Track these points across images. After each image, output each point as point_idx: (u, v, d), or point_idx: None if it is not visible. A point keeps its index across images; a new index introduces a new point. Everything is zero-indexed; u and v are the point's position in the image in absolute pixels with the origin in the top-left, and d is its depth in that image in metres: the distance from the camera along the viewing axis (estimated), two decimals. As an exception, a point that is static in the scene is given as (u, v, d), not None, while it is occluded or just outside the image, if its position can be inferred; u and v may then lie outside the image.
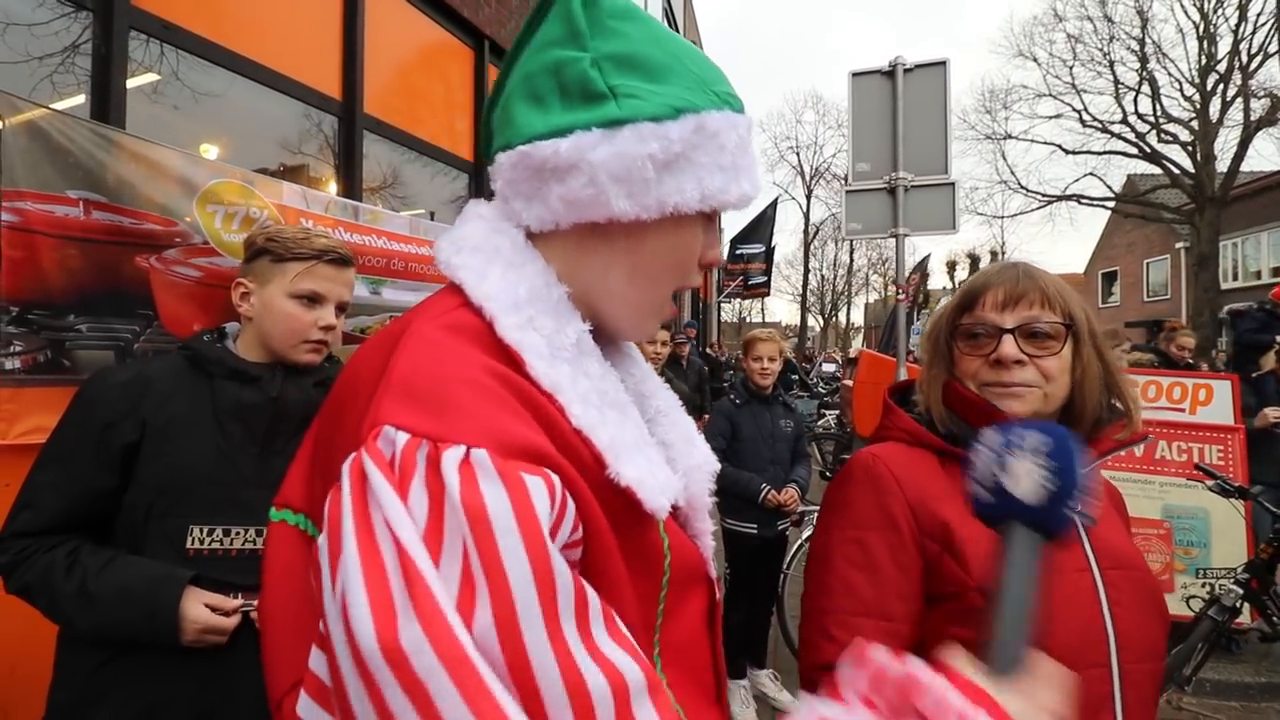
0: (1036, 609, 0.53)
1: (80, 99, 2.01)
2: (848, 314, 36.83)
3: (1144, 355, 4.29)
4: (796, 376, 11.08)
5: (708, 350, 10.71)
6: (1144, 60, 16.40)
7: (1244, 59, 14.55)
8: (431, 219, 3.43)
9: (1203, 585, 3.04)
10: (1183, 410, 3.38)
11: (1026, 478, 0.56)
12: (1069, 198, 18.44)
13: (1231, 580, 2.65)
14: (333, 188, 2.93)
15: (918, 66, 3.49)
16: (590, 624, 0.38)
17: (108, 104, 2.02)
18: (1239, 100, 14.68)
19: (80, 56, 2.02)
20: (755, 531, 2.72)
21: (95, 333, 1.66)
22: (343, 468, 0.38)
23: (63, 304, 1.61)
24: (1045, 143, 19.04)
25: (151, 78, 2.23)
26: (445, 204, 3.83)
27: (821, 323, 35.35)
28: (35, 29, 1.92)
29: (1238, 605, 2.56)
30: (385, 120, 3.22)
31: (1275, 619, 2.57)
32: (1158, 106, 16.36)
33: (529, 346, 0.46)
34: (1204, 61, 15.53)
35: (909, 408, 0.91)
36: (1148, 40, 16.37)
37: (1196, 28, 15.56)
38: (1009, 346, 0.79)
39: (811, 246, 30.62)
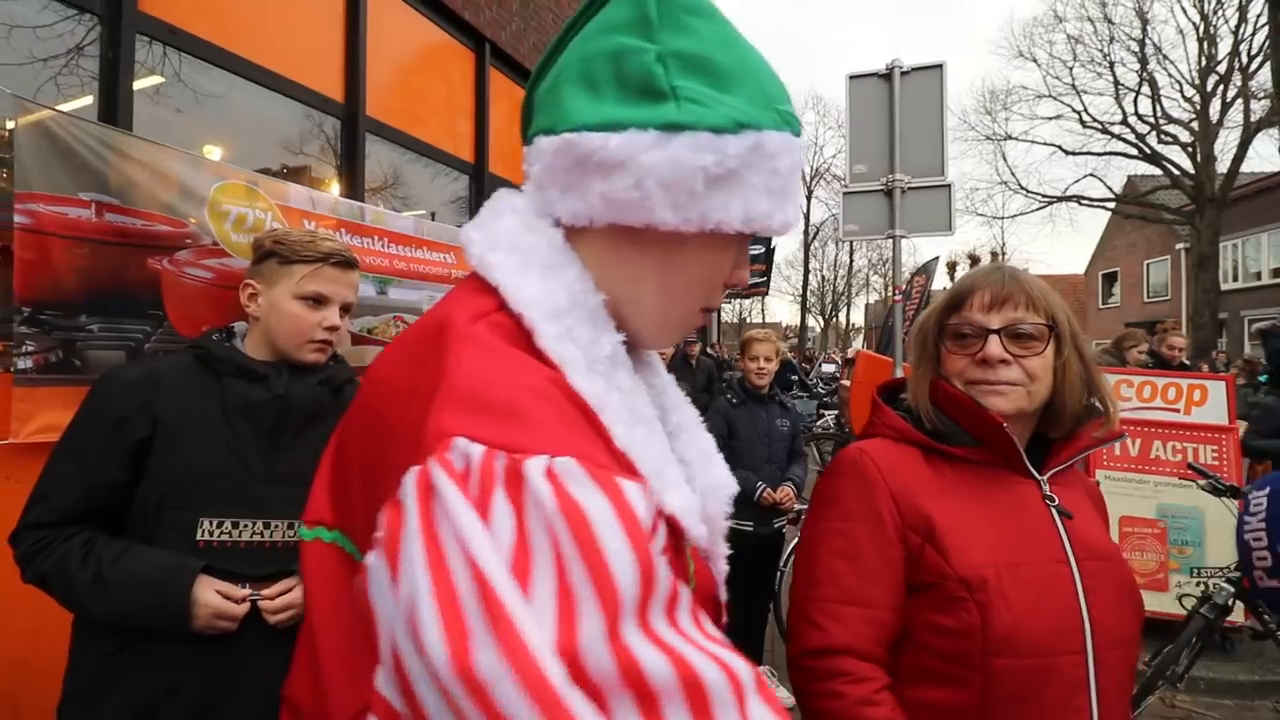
0: None
1: (88, 102, 2.05)
2: (848, 315, 36.87)
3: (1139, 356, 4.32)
4: (795, 377, 11.11)
5: (709, 350, 10.74)
6: (1144, 61, 16.43)
7: (1244, 60, 14.57)
8: (432, 219, 3.47)
9: (1196, 584, 3.07)
10: (1177, 410, 3.41)
11: None
12: (1069, 198, 18.47)
13: (1224, 578, 2.67)
14: (335, 189, 2.97)
15: (915, 69, 3.53)
16: (697, 623, 0.37)
17: (115, 107, 2.05)
18: (1239, 101, 14.70)
19: (88, 60, 2.05)
20: (752, 529, 2.76)
21: (106, 333, 1.69)
22: (405, 481, 0.35)
23: (74, 304, 1.64)
24: (1045, 143, 19.08)
25: (158, 81, 2.26)
26: (445, 205, 3.86)
27: (821, 323, 35.37)
28: (44, 33, 1.95)
29: (1229, 603, 2.58)
30: (387, 122, 3.26)
31: (1267, 617, 2.59)
32: (1158, 107, 16.41)
33: (570, 360, 0.44)
34: (1204, 63, 15.55)
35: (899, 406, 0.94)
36: (1148, 41, 16.42)
37: (1196, 29, 15.59)
38: (994, 346, 0.82)
39: (811, 247, 30.66)
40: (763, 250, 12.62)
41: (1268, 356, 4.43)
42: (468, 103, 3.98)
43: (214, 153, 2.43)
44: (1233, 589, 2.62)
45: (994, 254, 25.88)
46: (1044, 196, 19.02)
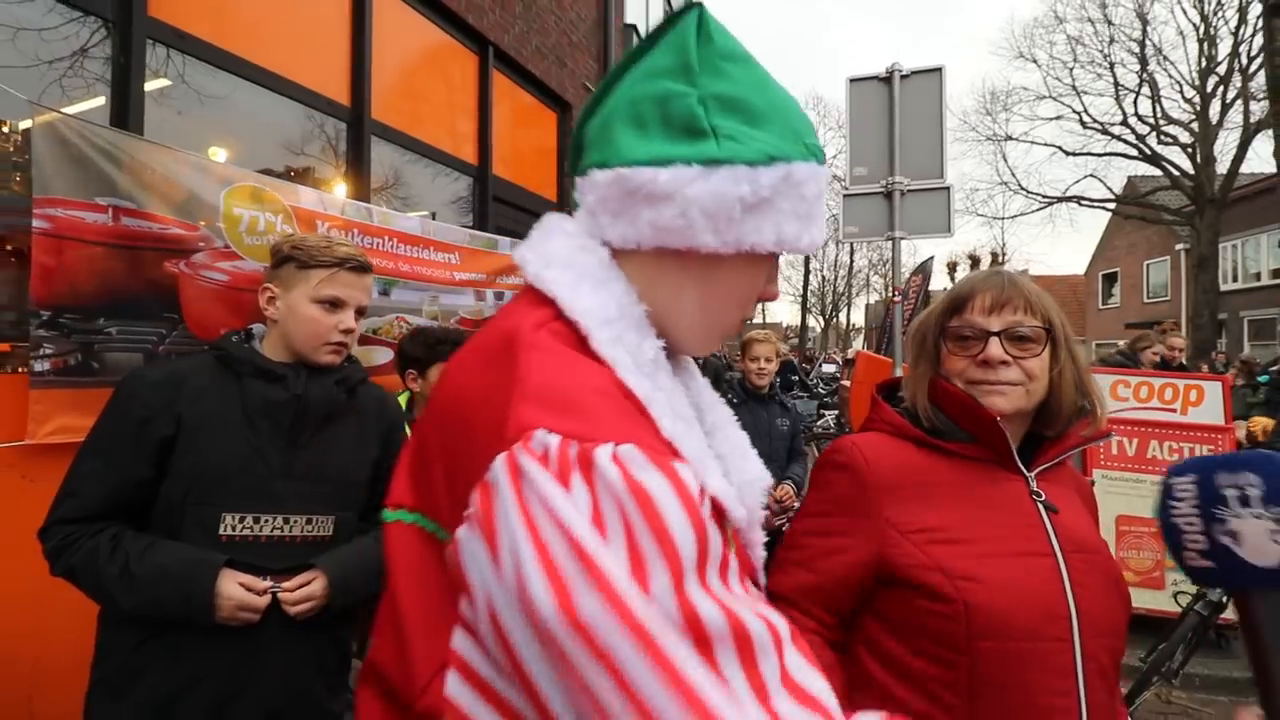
0: None
1: (100, 107, 2.08)
2: (848, 315, 36.90)
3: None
4: (796, 377, 11.14)
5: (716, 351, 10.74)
6: (1144, 62, 16.46)
7: (1244, 61, 14.59)
8: (433, 219, 3.50)
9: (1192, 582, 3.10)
10: (1174, 410, 3.45)
11: (1259, 539, 0.48)
12: (1069, 199, 18.50)
13: (1218, 576, 2.71)
14: (342, 190, 3.00)
15: (914, 73, 3.56)
16: (744, 585, 0.43)
17: (127, 112, 2.08)
18: (1239, 102, 14.72)
19: (99, 65, 2.08)
20: (753, 527, 2.80)
21: (124, 336, 1.72)
22: (494, 467, 0.41)
23: (93, 308, 1.68)
24: (1046, 144, 19.11)
25: (168, 85, 2.30)
26: (447, 205, 3.89)
27: (822, 324, 35.39)
28: (53, 36, 1.98)
29: (1223, 600, 2.62)
30: (392, 125, 3.29)
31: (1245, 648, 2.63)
32: (1158, 108, 16.44)
33: (620, 362, 0.49)
34: (1204, 64, 15.58)
35: (897, 404, 0.98)
36: (1148, 42, 16.45)
37: (1196, 30, 15.62)
38: (995, 348, 0.86)
39: (812, 247, 30.53)
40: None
41: None
42: (470, 105, 4.02)
43: (219, 154, 2.47)
44: (1227, 586, 2.65)
45: (994, 255, 25.89)
46: (1044, 197, 19.05)
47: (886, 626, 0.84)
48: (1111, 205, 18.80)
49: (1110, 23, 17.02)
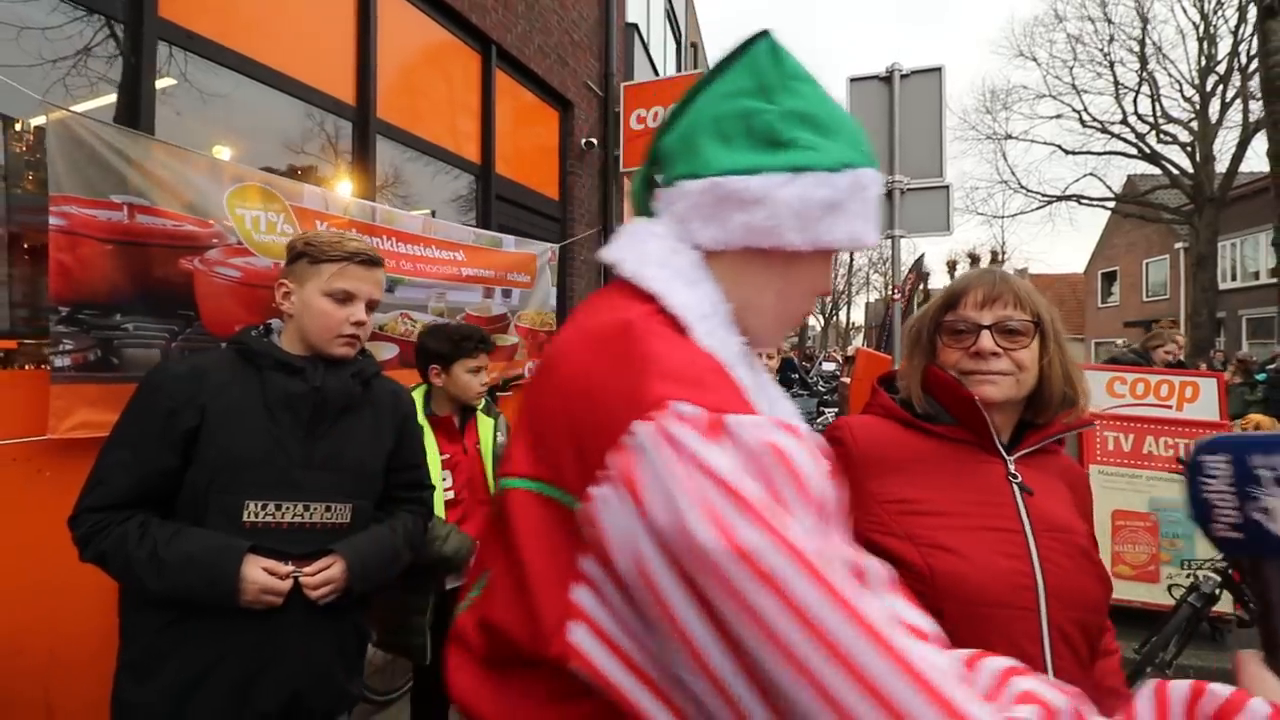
0: None
1: (111, 106, 2.11)
2: (848, 313, 36.95)
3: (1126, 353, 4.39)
4: (796, 375, 11.18)
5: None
6: (1144, 61, 16.48)
7: (1243, 60, 14.61)
8: (433, 215, 3.54)
9: (1187, 576, 3.14)
10: (1170, 407, 3.49)
11: None
12: (1069, 198, 18.53)
13: (1210, 568, 2.75)
14: (348, 189, 3.04)
15: (914, 72, 3.60)
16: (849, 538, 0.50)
17: (138, 111, 2.11)
18: (1238, 101, 14.75)
19: (110, 64, 2.12)
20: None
21: (141, 331, 1.76)
22: (638, 432, 0.46)
23: (110, 304, 1.71)
24: (1045, 143, 19.15)
25: (178, 85, 2.33)
26: (450, 203, 3.93)
27: (822, 322, 35.44)
28: (63, 36, 2.00)
29: (1216, 592, 2.66)
30: (396, 124, 3.33)
31: (1252, 606, 2.67)
32: (1157, 107, 16.47)
33: (718, 351, 0.56)
34: (1204, 62, 15.60)
35: (894, 392, 1.04)
36: (1148, 41, 16.47)
37: (1196, 29, 15.64)
38: (986, 340, 0.91)
39: (812, 245, 30.54)
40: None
41: None
42: (474, 103, 4.05)
43: (224, 153, 2.50)
44: (1219, 578, 2.70)
45: (994, 253, 25.93)
46: (1044, 195, 19.08)
47: None
48: (1111, 204, 18.83)
49: (1110, 21, 17.06)
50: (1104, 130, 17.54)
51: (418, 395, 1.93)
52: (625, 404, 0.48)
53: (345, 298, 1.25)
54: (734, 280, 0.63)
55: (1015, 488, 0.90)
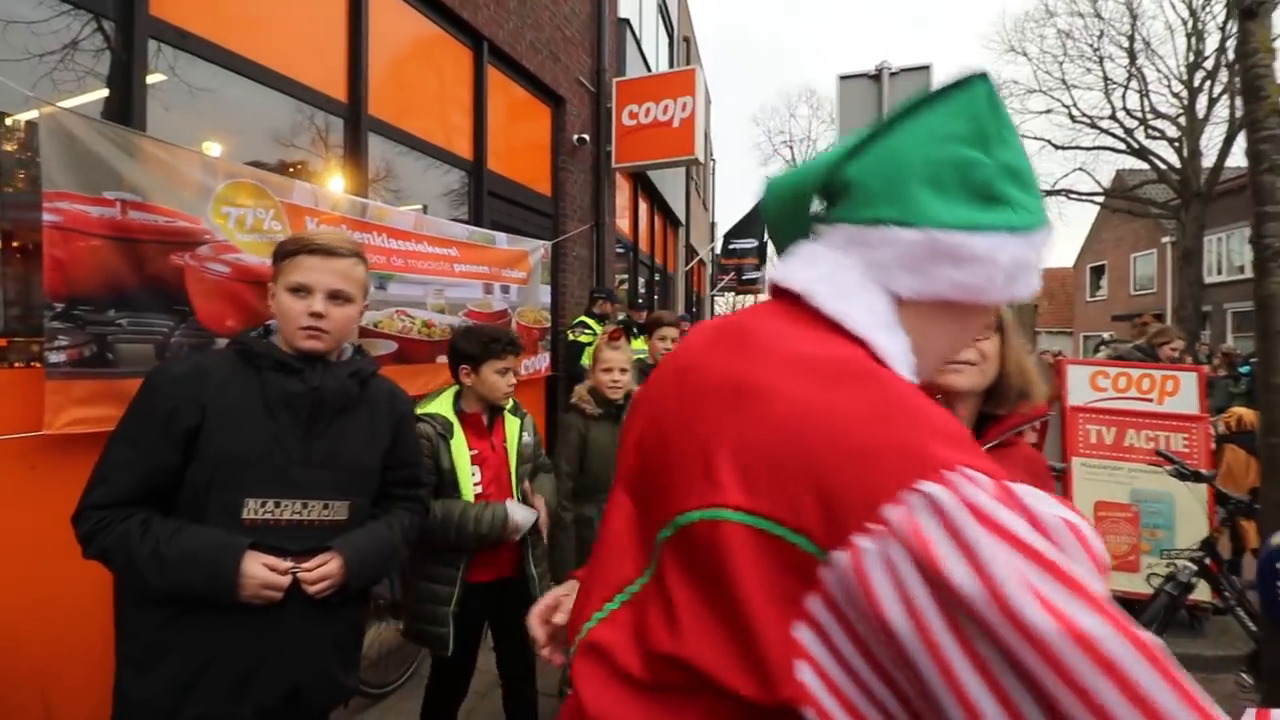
0: None
1: (102, 103, 2.11)
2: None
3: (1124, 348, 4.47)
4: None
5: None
6: (1133, 56, 16.57)
7: (1230, 56, 14.70)
8: (425, 211, 3.54)
9: (1166, 566, 3.22)
10: (1151, 400, 3.56)
11: None
12: (1058, 192, 18.64)
13: (1188, 558, 2.83)
14: (340, 185, 3.04)
15: (903, 70, 3.63)
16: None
17: (130, 109, 2.11)
18: (1225, 97, 14.87)
19: (101, 61, 2.11)
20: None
21: (135, 328, 1.77)
22: (932, 493, 0.44)
23: (104, 300, 1.71)
24: (1035, 138, 19.21)
25: (169, 83, 2.33)
26: (442, 199, 3.93)
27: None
28: (55, 32, 2.00)
29: (1192, 581, 2.74)
30: (388, 120, 3.33)
31: (1227, 594, 2.75)
32: (1146, 103, 16.56)
33: None
34: (1191, 58, 15.72)
35: None
36: (1137, 36, 16.54)
37: (1185, 24, 15.74)
38: None
39: (805, 239, 30.58)
40: (755, 246, 12.67)
41: None
42: (465, 99, 4.04)
43: (214, 149, 2.50)
44: (1195, 568, 2.77)
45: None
46: (1033, 190, 19.16)
47: None
48: (1100, 199, 18.98)
49: (1100, 16, 17.13)
50: (1093, 125, 17.66)
51: (449, 394, 1.97)
52: (901, 459, 0.46)
53: (301, 290, 1.23)
54: (919, 329, 0.61)
55: None
